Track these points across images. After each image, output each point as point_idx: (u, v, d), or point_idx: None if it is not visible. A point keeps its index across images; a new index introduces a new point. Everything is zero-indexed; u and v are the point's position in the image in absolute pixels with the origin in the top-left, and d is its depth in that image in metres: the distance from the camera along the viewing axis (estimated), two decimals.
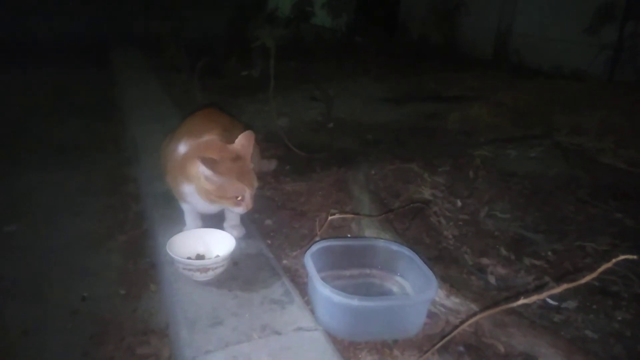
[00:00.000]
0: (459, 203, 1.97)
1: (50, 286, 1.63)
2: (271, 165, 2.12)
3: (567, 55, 4.00)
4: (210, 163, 1.28)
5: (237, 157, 1.35)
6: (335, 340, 1.18)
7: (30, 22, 5.01)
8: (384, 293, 1.37)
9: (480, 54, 4.75)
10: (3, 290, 1.59)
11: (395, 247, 1.39)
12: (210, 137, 1.41)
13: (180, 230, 1.49)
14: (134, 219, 2.00)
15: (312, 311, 1.26)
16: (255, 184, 1.39)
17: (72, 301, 1.57)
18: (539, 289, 1.46)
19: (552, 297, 1.44)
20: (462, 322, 1.26)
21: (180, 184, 1.42)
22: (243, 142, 1.39)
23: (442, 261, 1.59)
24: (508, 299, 1.39)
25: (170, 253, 1.31)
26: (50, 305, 1.54)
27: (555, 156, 2.44)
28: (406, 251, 1.36)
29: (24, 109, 3.37)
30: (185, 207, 1.53)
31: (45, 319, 1.49)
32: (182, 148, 1.42)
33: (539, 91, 3.41)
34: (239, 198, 1.34)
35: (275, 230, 1.73)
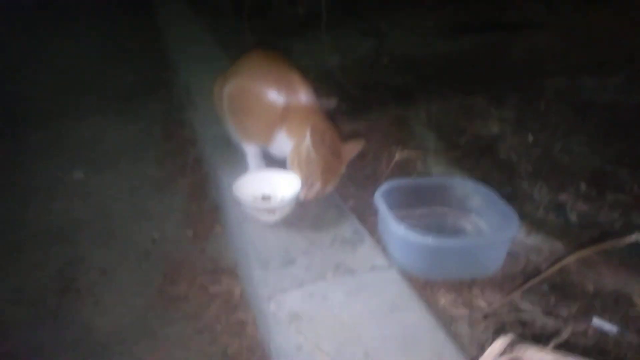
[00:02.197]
0: (531, 137, 1.84)
1: (122, 229, 1.68)
2: (330, 103, 2.04)
3: None
4: (317, 138, 1.26)
5: (336, 154, 1.32)
6: (411, 279, 1.14)
7: None
8: (457, 232, 1.32)
9: None
10: (81, 233, 1.66)
11: (470, 184, 1.32)
12: (313, 102, 1.40)
13: (244, 173, 1.47)
14: (193, 163, 2.02)
15: (384, 250, 1.22)
16: (330, 188, 1.35)
17: (143, 242, 1.62)
18: (626, 226, 1.36)
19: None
20: (545, 261, 1.20)
21: (274, 128, 1.38)
22: (350, 146, 1.36)
23: (516, 199, 1.50)
24: (594, 237, 1.30)
25: (238, 194, 1.30)
26: (123, 246, 1.60)
27: (636, 84, 2.21)
28: (482, 188, 1.29)
29: (76, 59, 3.41)
30: (249, 149, 1.50)
31: (121, 259, 1.55)
32: (279, 98, 1.37)
33: (614, 12, 3.07)
34: (308, 182, 1.31)
35: None
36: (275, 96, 1.37)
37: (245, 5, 3.08)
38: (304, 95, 1.39)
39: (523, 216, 1.34)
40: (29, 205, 1.82)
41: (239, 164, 1.57)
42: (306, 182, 1.32)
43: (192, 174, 1.96)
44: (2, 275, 1.49)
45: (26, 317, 1.35)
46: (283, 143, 1.39)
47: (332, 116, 2.02)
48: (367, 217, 1.42)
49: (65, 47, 3.64)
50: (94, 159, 2.11)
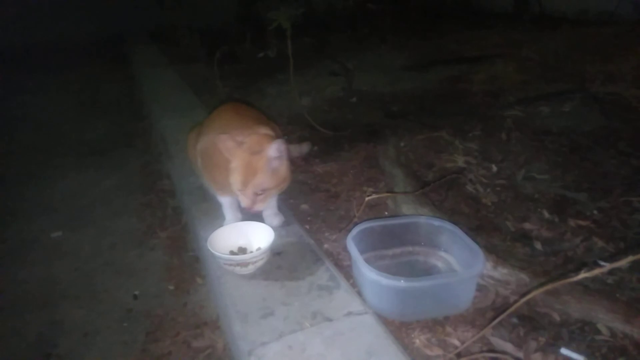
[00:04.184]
0: (494, 168, 1.93)
1: (102, 287, 1.69)
2: (303, 148, 2.11)
3: None
4: (227, 142, 1.33)
5: (253, 153, 1.34)
6: (386, 322, 1.18)
7: (45, 26, 5.06)
8: (429, 270, 1.37)
9: (499, 7, 4.55)
10: (60, 295, 1.65)
11: (436, 222, 1.38)
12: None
13: (220, 224, 1.51)
14: (172, 215, 2.04)
15: (360, 294, 1.26)
16: (252, 189, 1.34)
17: (124, 300, 1.63)
18: (588, 251, 1.43)
19: (601, 257, 1.40)
20: (513, 294, 1.25)
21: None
22: (269, 151, 1.34)
23: (483, 230, 1.57)
24: (558, 265, 1.37)
25: (211, 249, 1.33)
26: (104, 305, 1.60)
27: (590, 109, 2.34)
28: (448, 225, 1.35)
29: (51, 113, 3.44)
30: (224, 200, 1.54)
31: (102, 319, 1.55)
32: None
33: (565, 41, 3.26)
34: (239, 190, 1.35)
35: (312, 214, 1.73)
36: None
37: (217, 52, 3.18)
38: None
39: (490, 248, 1.41)
40: (6, 268, 1.81)
41: (216, 215, 1.61)
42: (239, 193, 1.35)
43: (172, 226, 1.99)
44: None
45: None
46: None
47: (303, 159, 2.10)
48: (343, 261, 1.47)
49: (39, 102, 3.68)
50: (72, 217, 2.12)
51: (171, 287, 1.67)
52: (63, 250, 1.90)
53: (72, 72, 4.41)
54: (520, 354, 1.08)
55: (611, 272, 1.32)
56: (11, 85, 4.14)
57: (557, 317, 1.18)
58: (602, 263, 1.37)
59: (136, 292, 1.65)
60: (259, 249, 1.38)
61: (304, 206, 1.78)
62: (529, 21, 3.98)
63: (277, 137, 1.48)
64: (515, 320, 1.18)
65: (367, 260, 1.21)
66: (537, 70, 2.85)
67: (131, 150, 2.74)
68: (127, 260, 1.82)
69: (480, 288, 1.28)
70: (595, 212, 1.61)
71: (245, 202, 1.36)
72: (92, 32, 5.17)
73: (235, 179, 1.35)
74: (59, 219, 2.11)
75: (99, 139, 2.93)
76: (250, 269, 1.32)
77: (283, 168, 1.38)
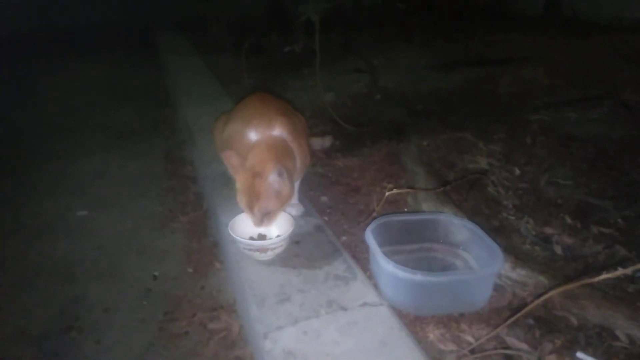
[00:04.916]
0: (517, 171, 1.91)
1: (124, 266, 1.73)
2: (325, 142, 2.13)
3: (628, 5, 3.70)
4: (231, 160, 1.36)
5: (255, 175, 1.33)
6: (401, 315, 1.19)
7: (73, 12, 5.17)
8: (446, 267, 1.37)
9: (530, 10, 4.48)
10: (84, 271, 1.70)
11: (456, 220, 1.38)
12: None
13: (241, 210, 1.53)
14: (194, 200, 2.08)
15: (376, 286, 1.27)
16: (258, 212, 1.33)
17: (144, 280, 1.66)
18: (610, 258, 1.41)
19: (624, 266, 1.38)
20: (530, 295, 1.25)
21: None
22: (269, 177, 1.32)
23: (503, 232, 1.56)
24: (578, 270, 1.35)
25: (232, 233, 1.35)
26: (126, 284, 1.65)
27: (619, 117, 2.30)
28: (468, 224, 1.35)
29: (79, 96, 3.52)
30: None
31: (122, 297, 1.59)
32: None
33: (597, 47, 3.20)
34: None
35: (332, 206, 1.74)
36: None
37: (244, 44, 3.21)
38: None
39: (509, 250, 1.40)
40: (33, 243, 1.87)
41: (237, 202, 1.63)
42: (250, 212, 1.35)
43: (193, 211, 2.02)
44: (6, 314, 1.53)
45: (29, 357, 1.38)
46: None
47: (325, 152, 2.11)
48: (360, 253, 1.48)
49: (67, 85, 3.77)
50: (98, 197, 2.18)
51: (190, 270, 1.70)
52: (87, 229, 1.95)
53: (101, 57, 4.51)
54: (535, 355, 1.07)
55: (632, 281, 1.30)
56: (40, 68, 4.25)
57: (574, 321, 1.17)
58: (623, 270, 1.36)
59: (156, 273, 1.69)
60: (278, 236, 1.39)
61: (324, 198, 1.79)
62: (560, 25, 3.91)
63: (292, 131, 1.44)
64: (531, 321, 1.18)
65: (384, 254, 1.22)
66: (567, 75, 2.80)
67: (156, 135, 2.79)
68: (149, 242, 1.86)
69: (498, 288, 1.28)
70: (619, 220, 1.59)
71: (253, 221, 1.37)
72: (121, 18, 5.26)
73: (241, 200, 1.35)
74: (85, 198, 2.16)
75: (125, 123, 2.99)
76: (269, 255, 1.34)
77: (286, 189, 1.34)
